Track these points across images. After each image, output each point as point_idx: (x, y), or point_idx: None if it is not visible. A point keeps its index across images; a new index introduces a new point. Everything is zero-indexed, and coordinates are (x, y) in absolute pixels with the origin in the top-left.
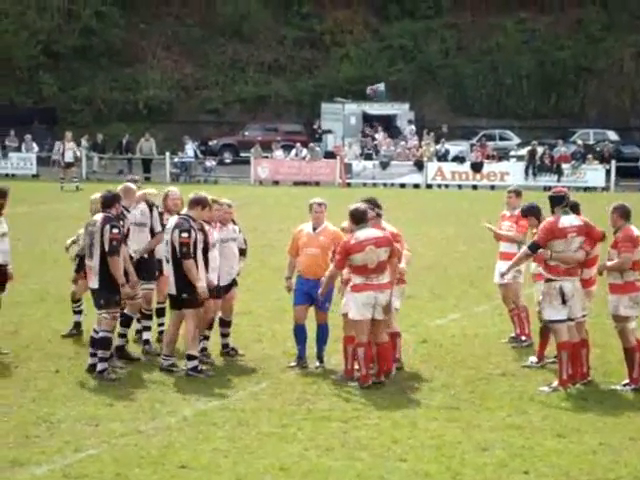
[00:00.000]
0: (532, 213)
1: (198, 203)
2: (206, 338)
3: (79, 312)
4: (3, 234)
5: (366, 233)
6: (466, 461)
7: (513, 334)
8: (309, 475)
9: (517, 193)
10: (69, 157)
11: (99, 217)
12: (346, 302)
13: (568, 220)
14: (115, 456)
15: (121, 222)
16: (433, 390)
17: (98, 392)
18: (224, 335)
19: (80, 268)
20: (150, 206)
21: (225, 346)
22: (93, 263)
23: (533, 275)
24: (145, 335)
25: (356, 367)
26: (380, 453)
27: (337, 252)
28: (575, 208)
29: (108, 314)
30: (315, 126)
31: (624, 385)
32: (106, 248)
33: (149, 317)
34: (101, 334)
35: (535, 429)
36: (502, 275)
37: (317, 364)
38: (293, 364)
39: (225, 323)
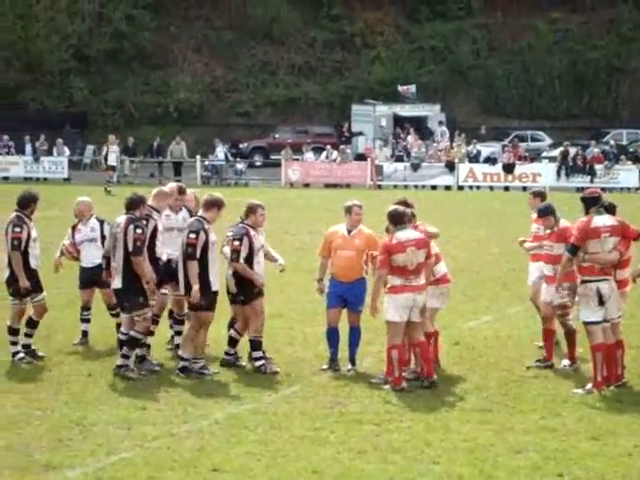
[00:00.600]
0: (549, 213)
1: (214, 204)
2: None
3: (87, 320)
4: (34, 239)
5: (407, 234)
6: (499, 464)
7: None
8: (341, 478)
9: (535, 194)
10: (112, 160)
11: (123, 219)
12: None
13: (601, 220)
14: (148, 459)
15: (144, 222)
16: (466, 392)
17: (130, 395)
18: None
19: (107, 268)
20: (191, 212)
21: None
22: (116, 264)
23: (545, 277)
24: (177, 340)
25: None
26: (413, 456)
27: (379, 253)
28: (611, 209)
29: (138, 316)
30: (344, 128)
31: None
32: (130, 248)
33: (181, 322)
34: (132, 333)
35: (569, 432)
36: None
37: (349, 367)
38: (325, 367)
39: None
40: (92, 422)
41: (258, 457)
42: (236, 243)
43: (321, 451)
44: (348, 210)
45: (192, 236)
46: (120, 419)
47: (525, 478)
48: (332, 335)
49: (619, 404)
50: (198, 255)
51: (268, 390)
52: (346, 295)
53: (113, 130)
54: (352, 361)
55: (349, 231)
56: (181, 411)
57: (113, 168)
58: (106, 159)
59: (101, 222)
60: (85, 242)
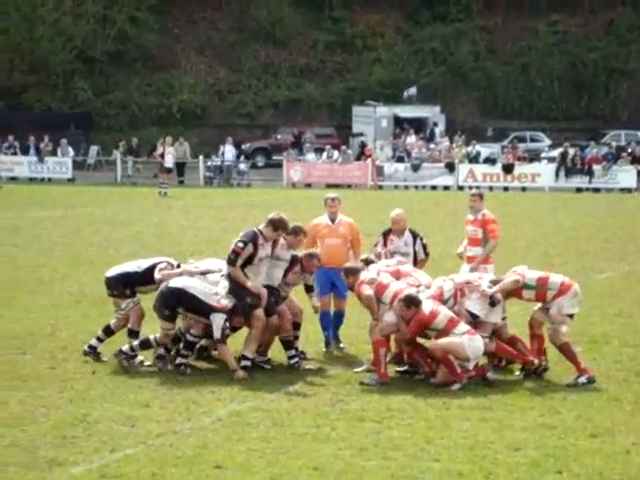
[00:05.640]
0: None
1: (270, 223)
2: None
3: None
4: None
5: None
6: (499, 461)
7: None
8: (343, 475)
9: (480, 196)
10: (169, 162)
11: None
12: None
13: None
14: (151, 456)
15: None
16: (465, 390)
17: (134, 393)
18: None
19: None
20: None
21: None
22: None
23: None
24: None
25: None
26: (413, 453)
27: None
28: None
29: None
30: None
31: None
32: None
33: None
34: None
35: (568, 429)
36: None
37: (334, 343)
38: (325, 349)
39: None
40: (96, 419)
41: (260, 454)
42: (240, 245)
43: (322, 448)
44: (325, 203)
45: (239, 245)
46: (124, 416)
47: (524, 475)
48: (325, 318)
49: (617, 402)
50: (239, 264)
51: (269, 388)
52: (335, 280)
53: (117, 131)
54: (336, 337)
55: (332, 220)
56: (184, 408)
57: (169, 170)
58: (163, 160)
59: (414, 236)
60: (396, 254)
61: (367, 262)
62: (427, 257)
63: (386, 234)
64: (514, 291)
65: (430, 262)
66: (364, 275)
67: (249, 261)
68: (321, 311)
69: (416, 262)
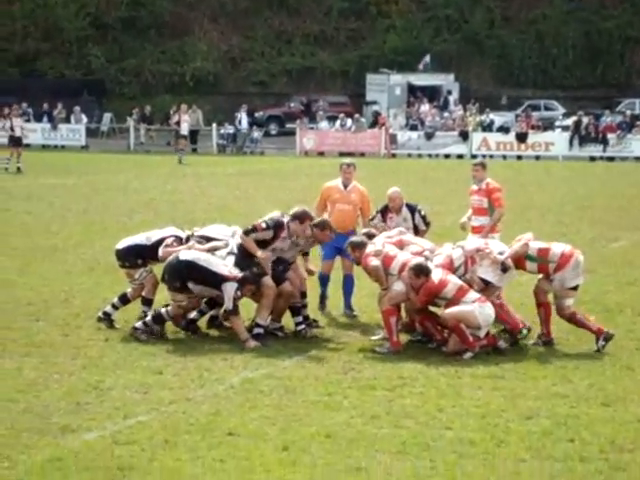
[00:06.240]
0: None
1: (295, 217)
2: (304, 306)
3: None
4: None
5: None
6: (511, 429)
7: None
8: (354, 442)
9: (483, 165)
10: (185, 129)
11: None
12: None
13: None
14: (164, 423)
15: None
16: (477, 359)
17: (147, 361)
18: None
19: None
20: None
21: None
22: None
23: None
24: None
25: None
26: (425, 421)
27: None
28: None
29: None
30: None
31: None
32: None
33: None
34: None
35: (580, 398)
36: None
37: (349, 312)
38: (320, 307)
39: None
40: (109, 386)
41: (273, 421)
42: (262, 225)
43: (335, 416)
44: (340, 168)
45: (263, 225)
46: (137, 383)
47: (536, 443)
48: (323, 279)
49: (630, 371)
50: (253, 237)
51: (282, 356)
52: (341, 245)
53: (130, 98)
54: (349, 307)
55: (345, 186)
56: (197, 376)
57: (185, 137)
58: (178, 125)
59: (412, 211)
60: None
61: (369, 236)
62: (428, 227)
63: (384, 211)
64: (518, 262)
65: (442, 231)
66: (370, 248)
67: (263, 245)
68: (321, 273)
69: (417, 234)
